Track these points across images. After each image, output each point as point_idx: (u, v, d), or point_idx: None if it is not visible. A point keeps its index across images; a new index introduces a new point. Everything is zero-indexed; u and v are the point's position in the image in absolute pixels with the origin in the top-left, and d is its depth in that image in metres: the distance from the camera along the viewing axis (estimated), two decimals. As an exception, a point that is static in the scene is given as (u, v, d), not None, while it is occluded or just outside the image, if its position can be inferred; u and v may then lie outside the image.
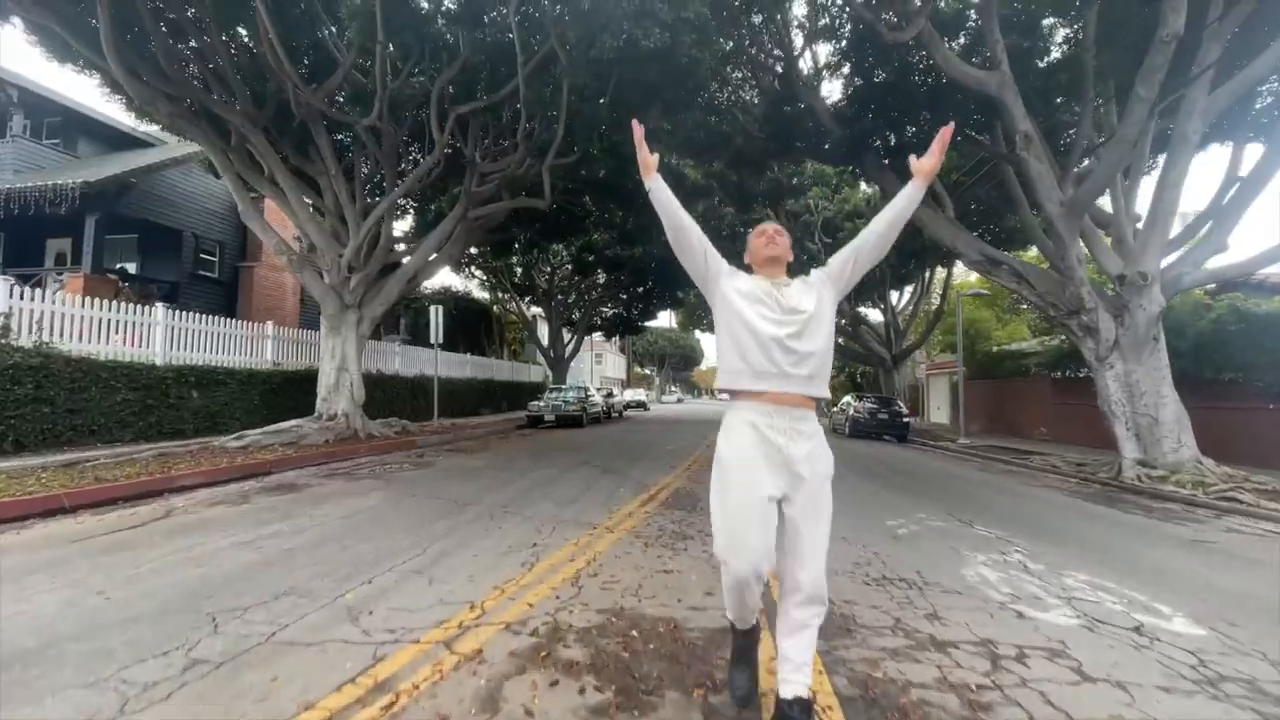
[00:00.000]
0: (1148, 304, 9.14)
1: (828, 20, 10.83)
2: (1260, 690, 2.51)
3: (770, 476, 1.99)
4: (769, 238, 2.25)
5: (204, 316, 11.01)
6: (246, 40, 8.94)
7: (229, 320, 11.65)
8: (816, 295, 2.13)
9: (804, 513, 2.01)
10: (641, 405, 36.32)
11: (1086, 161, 10.71)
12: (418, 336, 22.84)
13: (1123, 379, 9.50)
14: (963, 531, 5.34)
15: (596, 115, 9.14)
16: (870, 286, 24.08)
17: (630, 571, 3.81)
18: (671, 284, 27.69)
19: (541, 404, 18.39)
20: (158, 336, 10.21)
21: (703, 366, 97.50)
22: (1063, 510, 6.86)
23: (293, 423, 9.60)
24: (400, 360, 17.52)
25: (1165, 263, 9.76)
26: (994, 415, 20.37)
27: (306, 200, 10.99)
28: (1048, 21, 9.81)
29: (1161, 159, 9.87)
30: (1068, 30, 10.18)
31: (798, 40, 11.94)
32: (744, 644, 2.23)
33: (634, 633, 2.85)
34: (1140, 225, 9.93)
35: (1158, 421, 9.13)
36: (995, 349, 20.89)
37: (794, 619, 2.03)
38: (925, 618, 3.15)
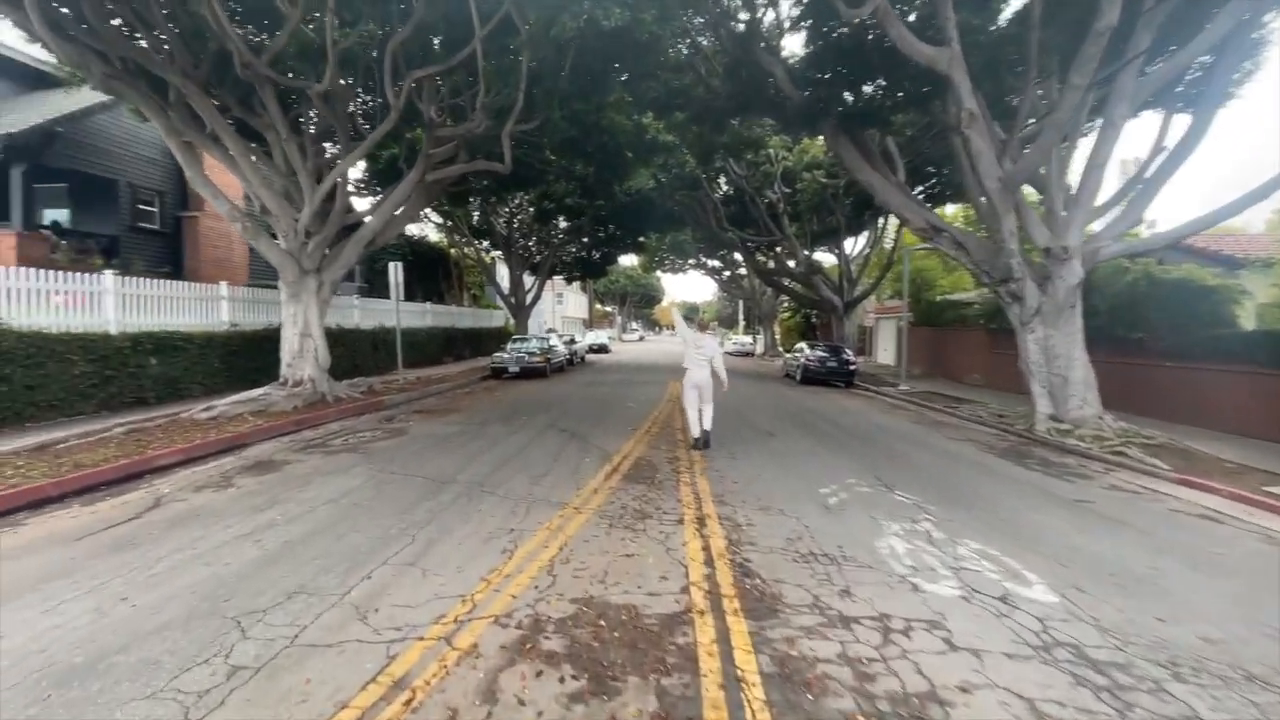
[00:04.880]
0: (1068, 275, 9.96)
1: (789, -19, 10.73)
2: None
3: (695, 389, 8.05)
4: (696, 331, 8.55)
5: (154, 282, 10.75)
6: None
7: (179, 284, 11.36)
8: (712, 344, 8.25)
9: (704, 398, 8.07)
10: (603, 349, 36.93)
11: (1027, 130, 11.20)
12: (374, 285, 22.40)
13: (1042, 342, 10.44)
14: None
15: (557, 85, 9.04)
16: (827, 234, 24.67)
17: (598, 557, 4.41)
18: (634, 228, 27.48)
19: (506, 356, 18.68)
20: (108, 304, 9.99)
21: (663, 304, 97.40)
22: (973, 467, 7.82)
23: (260, 391, 9.75)
24: (360, 314, 17.40)
25: (1089, 234, 10.56)
26: (934, 360, 21.74)
27: (253, 159, 10.61)
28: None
29: (1095, 134, 10.44)
30: (1017, 4, 10.40)
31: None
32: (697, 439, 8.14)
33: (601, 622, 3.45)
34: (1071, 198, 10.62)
35: (1068, 381, 10.18)
36: (938, 298, 22.02)
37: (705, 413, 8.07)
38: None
